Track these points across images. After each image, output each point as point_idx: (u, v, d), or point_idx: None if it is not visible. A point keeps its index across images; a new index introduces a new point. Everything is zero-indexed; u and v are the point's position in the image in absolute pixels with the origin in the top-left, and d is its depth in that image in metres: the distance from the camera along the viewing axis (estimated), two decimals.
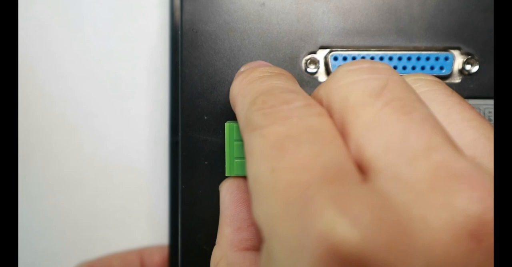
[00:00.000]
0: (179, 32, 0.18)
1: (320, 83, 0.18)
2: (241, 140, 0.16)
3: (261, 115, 0.12)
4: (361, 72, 0.13)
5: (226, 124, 0.16)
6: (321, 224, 0.09)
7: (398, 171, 0.10)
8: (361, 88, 0.12)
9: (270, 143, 0.11)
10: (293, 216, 0.10)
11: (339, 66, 0.14)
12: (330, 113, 0.13)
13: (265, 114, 0.12)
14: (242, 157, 0.16)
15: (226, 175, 0.16)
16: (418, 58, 0.18)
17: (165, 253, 0.24)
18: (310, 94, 0.14)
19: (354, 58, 0.18)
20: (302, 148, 0.11)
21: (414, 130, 0.11)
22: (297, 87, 0.14)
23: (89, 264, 0.23)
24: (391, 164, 0.11)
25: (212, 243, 0.18)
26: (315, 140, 0.11)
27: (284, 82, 0.14)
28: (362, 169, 0.11)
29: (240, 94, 0.14)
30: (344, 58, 0.18)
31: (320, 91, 0.13)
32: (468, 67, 0.18)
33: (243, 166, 0.16)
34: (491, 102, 0.18)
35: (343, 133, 0.12)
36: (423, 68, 0.18)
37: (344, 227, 0.09)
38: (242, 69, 0.17)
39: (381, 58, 0.18)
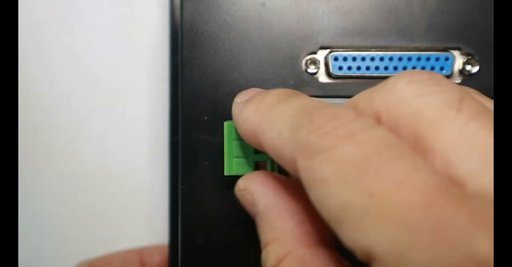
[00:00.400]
0: (179, 32, 0.18)
1: (320, 83, 0.18)
2: (240, 139, 0.16)
3: (319, 137, 0.11)
4: (426, 84, 0.12)
5: (225, 123, 0.16)
6: (471, 248, 0.09)
7: None
8: (435, 101, 0.12)
9: (351, 167, 0.11)
10: (429, 242, 0.09)
11: (392, 78, 0.13)
12: (393, 127, 0.12)
13: (323, 134, 0.11)
14: (241, 156, 0.16)
15: (225, 174, 0.16)
16: (419, 59, 0.18)
17: (165, 253, 0.24)
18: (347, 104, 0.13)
19: (354, 58, 0.18)
20: (391, 165, 0.10)
21: None
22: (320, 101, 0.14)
23: (90, 263, 0.23)
24: None
25: (213, 243, 0.18)
26: (398, 154, 0.11)
27: (308, 98, 0.13)
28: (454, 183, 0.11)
29: (263, 123, 0.13)
30: (345, 58, 0.18)
31: (375, 105, 0.13)
32: (468, 67, 0.18)
33: (242, 165, 0.16)
34: None
35: (416, 148, 0.12)
36: (423, 68, 0.18)
37: (490, 248, 0.09)
38: (238, 99, 0.16)
39: (381, 58, 0.18)
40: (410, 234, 0.10)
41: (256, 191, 0.15)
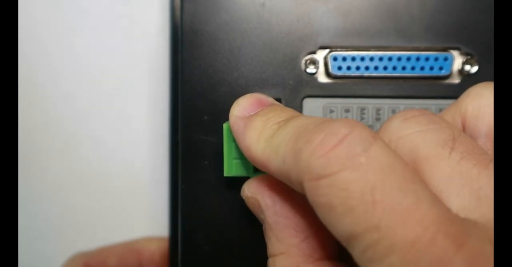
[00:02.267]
0: (179, 32, 0.18)
1: (320, 83, 0.18)
2: None
3: (319, 160, 0.12)
4: (420, 122, 0.13)
5: (224, 125, 0.16)
6: None
7: None
8: (430, 139, 0.13)
9: (357, 198, 0.11)
10: None
11: (390, 118, 0.14)
12: None
13: (323, 156, 0.12)
14: (240, 157, 0.16)
15: (224, 175, 0.16)
16: (418, 59, 0.18)
17: (164, 251, 0.24)
18: None
19: (353, 59, 0.18)
20: (395, 196, 0.11)
21: None
22: (298, 113, 0.15)
23: (85, 260, 0.23)
24: (490, 219, 0.11)
25: (213, 243, 0.18)
26: (400, 182, 0.11)
27: (305, 118, 0.14)
28: None
29: (267, 152, 0.14)
30: (344, 58, 0.18)
31: None
32: (467, 67, 0.18)
33: (241, 166, 0.16)
34: None
35: None
36: (422, 68, 0.18)
37: None
38: (235, 111, 0.16)
39: (381, 58, 0.18)
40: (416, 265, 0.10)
41: (264, 203, 0.15)
